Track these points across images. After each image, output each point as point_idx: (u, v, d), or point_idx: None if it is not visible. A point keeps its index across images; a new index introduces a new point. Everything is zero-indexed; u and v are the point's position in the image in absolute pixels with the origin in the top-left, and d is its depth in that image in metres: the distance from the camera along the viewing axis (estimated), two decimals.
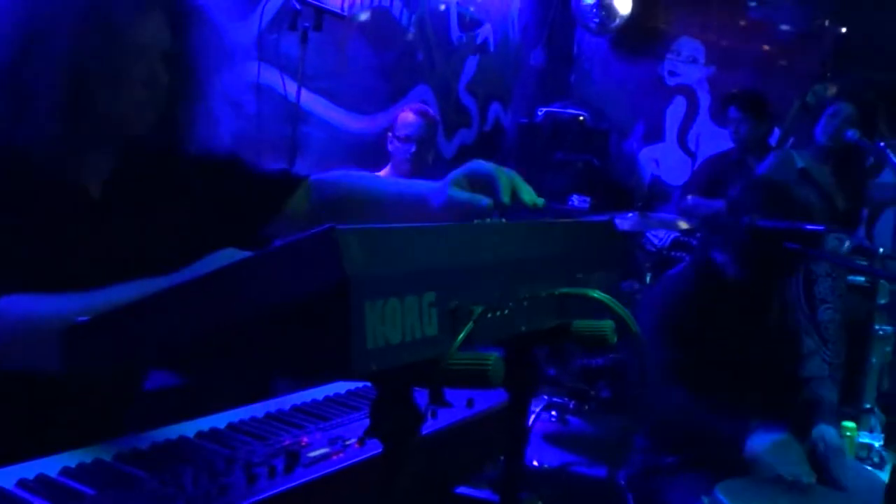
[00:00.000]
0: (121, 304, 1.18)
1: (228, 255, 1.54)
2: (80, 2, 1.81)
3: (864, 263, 5.64)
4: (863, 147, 5.11)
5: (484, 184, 1.52)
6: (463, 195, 1.53)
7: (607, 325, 1.48)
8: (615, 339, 1.48)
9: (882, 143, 4.77)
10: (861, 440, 5.18)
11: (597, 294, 1.41)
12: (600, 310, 1.43)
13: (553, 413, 4.52)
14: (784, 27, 8.83)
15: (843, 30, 8.61)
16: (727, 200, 3.51)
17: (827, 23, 8.64)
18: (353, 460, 1.64)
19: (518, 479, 1.61)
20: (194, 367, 1.19)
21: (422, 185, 1.79)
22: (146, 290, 1.17)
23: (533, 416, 4.35)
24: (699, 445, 3.29)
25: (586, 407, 4.64)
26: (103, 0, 1.81)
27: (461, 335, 1.12)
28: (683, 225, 5.52)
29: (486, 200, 1.48)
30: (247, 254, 1.09)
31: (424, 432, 1.86)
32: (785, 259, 3.20)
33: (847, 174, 5.57)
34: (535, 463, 4.17)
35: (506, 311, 1.25)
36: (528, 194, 1.45)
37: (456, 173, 1.60)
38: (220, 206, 2.08)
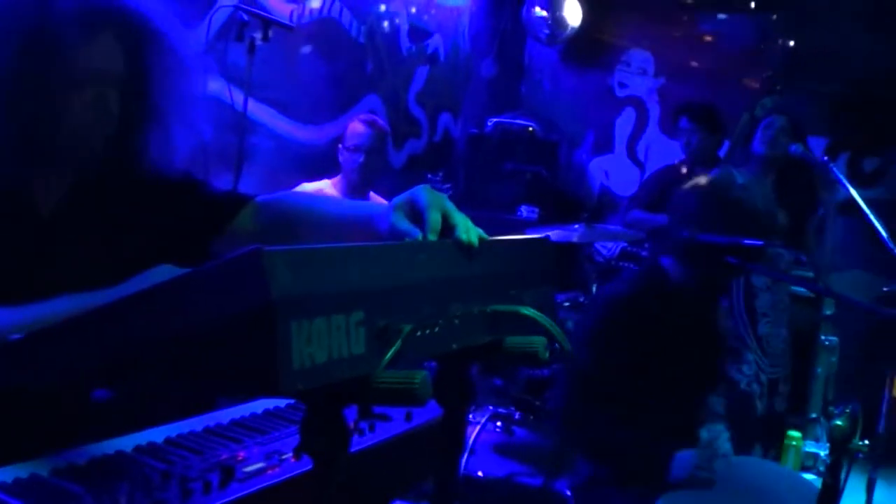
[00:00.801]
0: (52, 322, 1.19)
1: (162, 273, 1.54)
2: (26, 26, 1.81)
3: (810, 275, 5.72)
4: (807, 161, 5.16)
5: (418, 216, 1.53)
6: (402, 225, 1.53)
7: (539, 341, 1.50)
8: (546, 355, 1.50)
9: (826, 158, 4.83)
10: (807, 450, 5.26)
11: (528, 311, 1.43)
12: (533, 326, 1.45)
13: (499, 424, 4.53)
14: (733, 40, 8.91)
15: (792, 43, 8.70)
16: (669, 210, 3.54)
17: (776, 36, 8.73)
18: (289, 475, 1.64)
19: (452, 493, 1.62)
20: (125, 384, 1.19)
21: (368, 208, 1.80)
22: (77, 305, 1.18)
23: (478, 427, 4.36)
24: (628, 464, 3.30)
25: (531, 417, 4.65)
26: (50, 25, 1.81)
27: (388, 354, 1.13)
28: (629, 237, 5.56)
29: (419, 235, 1.48)
30: (182, 271, 1.09)
31: (362, 445, 1.89)
32: (725, 272, 3.23)
33: (789, 188, 5.63)
34: (480, 473, 4.18)
35: (436, 329, 1.27)
36: (465, 232, 1.45)
37: (400, 198, 1.59)
38: (166, 226, 2.08)
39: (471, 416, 4.50)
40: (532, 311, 1.43)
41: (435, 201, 1.50)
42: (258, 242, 1.69)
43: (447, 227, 1.46)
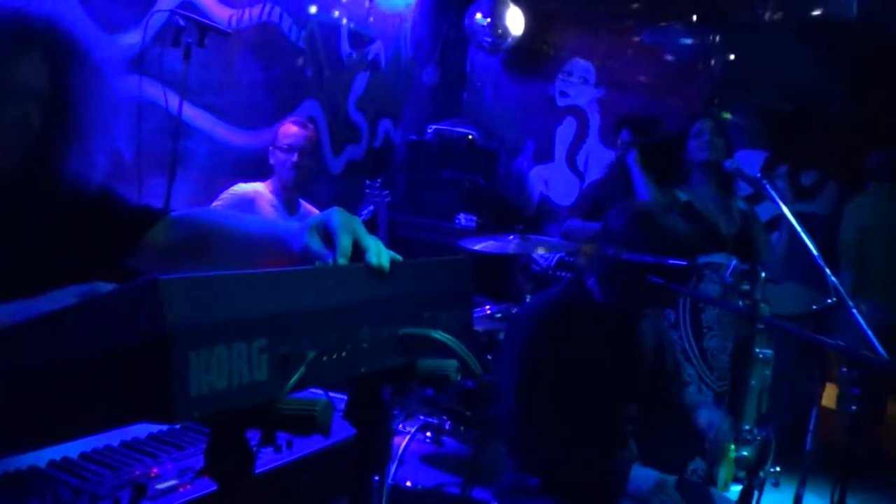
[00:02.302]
0: None
1: (72, 292, 1.53)
2: None
3: (746, 287, 5.76)
4: (741, 178, 5.20)
5: (330, 239, 1.53)
6: (314, 247, 1.53)
7: (451, 364, 1.51)
8: (458, 377, 1.51)
9: (759, 175, 4.87)
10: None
11: (439, 335, 1.44)
12: (444, 350, 1.46)
13: (428, 434, 4.54)
14: (674, 52, 8.98)
15: (732, 56, 8.79)
16: (601, 226, 3.56)
17: (716, 50, 8.81)
18: (200, 493, 1.64)
19: None
20: (23, 408, 1.18)
21: (282, 227, 1.79)
22: None
23: (408, 437, 4.37)
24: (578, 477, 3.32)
25: (462, 428, 4.66)
26: None
27: (291, 380, 1.14)
28: (563, 248, 5.58)
29: (331, 258, 1.48)
30: (108, 286, 1.09)
31: (280, 462, 1.89)
32: (647, 292, 3.26)
33: (730, 198, 5.68)
34: (409, 484, 4.18)
35: (343, 354, 1.27)
36: (376, 256, 1.45)
37: (314, 219, 1.59)
38: (80, 241, 2.06)
39: (401, 426, 4.50)
40: (442, 335, 1.44)
41: (346, 224, 1.51)
42: (171, 258, 1.68)
43: (359, 251, 1.47)
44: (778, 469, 4.34)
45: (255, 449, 1.18)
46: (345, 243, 1.46)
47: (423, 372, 1.50)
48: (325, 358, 1.22)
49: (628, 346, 3.55)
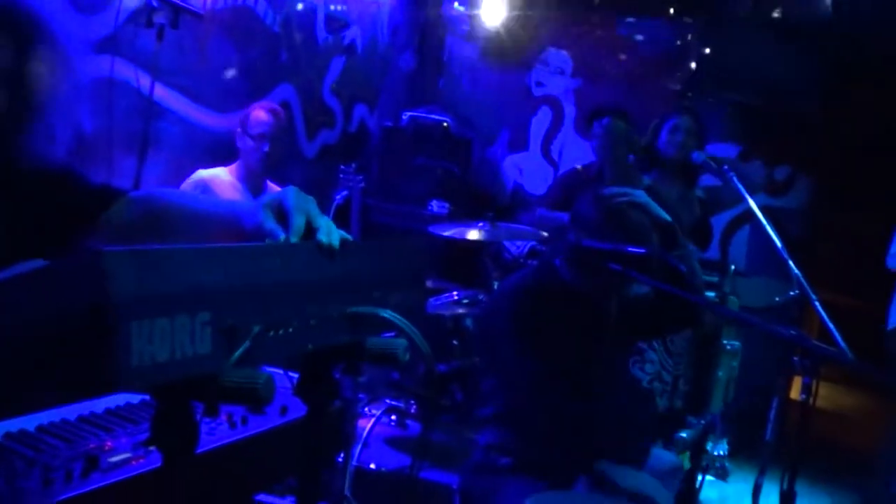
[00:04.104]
0: None
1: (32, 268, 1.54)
2: None
3: (715, 279, 5.82)
4: (708, 169, 5.25)
5: (285, 217, 1.54)
6: (268, 225, 1.54)
7: (400, 343, 1.54)
8: (407, 357, 1.54)
9: (726, 167, 4.90)
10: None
11: (386, 314, 1.46)
12: (392, 328, 1.49)
13: (393, 417, 4.56)
14: (650, 44, 9.02)
15: (707, 50, 8.83)
16: (571, 213, 3.60)
17: (691, 42, 8.85)
18: (153, 466, 1.66)
19: (315, 488, 1.65)
20: None
21: (236, 205, 1.80)
22: None
23: (373, 420, 4.40)
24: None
25: (425, 412, 4.69)
26: None
27: (236, 353, 1.16)
28: (533, 236, 5.60)
29: (283, 236, 1.50)
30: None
31: (234, 438, 1.91)
32: (608, 278, 3.29)
33: (690, 189, 5.74)
34: (373, 466, 4.21)
35: (290, 330, 1.29)
36: (326, 235, 1.47)
37: (269, 198, 1.61)
38: (38, 219, 2.07)
39: (366, 408, 4.53)
40: (391, 314, 1.46)
41: (300, 204, 1.52)
42: (128, 237, 1.70)
43: (311, 231, 1.49)
44: (724, 453, 4.39)
45: (200, 420, 1.21)
46: (298, 222, 1.48)
47: (372, 350, 1.53)
48: (271, 333, 1.24)
49: (594, 323, 3.59)
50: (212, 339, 1.13)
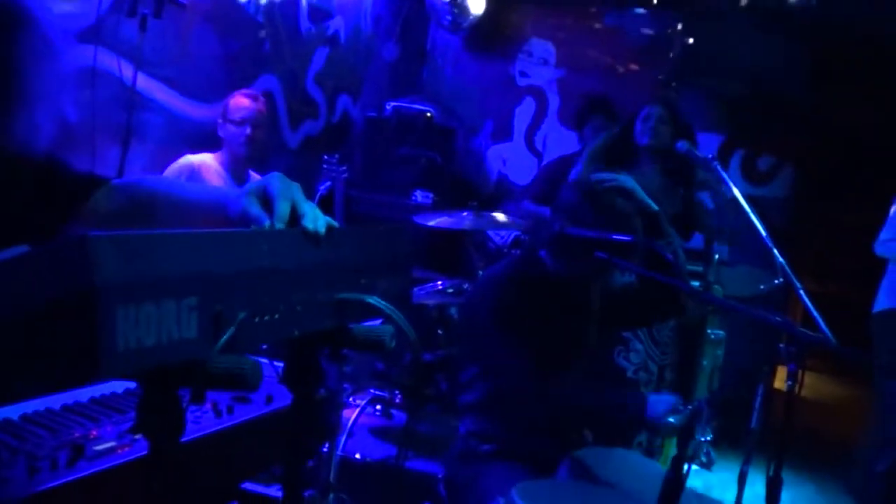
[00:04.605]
0: None
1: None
2: None
3: (699, 269, 5.82)
4: (692, 159, 5.24)
5: (269, 204, 1.54)
6: (253, 211, 1.53)
7: (386, 330, 1.54)
8: (393, 343, 1.53)
9: (710, 156, 4.90)
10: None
11: (373, 300, 1.46)
12: (379, 315, 1.49)
13: (378, 407, 4.56)
14: (634, 35, 9.02)
15: (691, 41, 8.84)
16: (554, 202, 3.60)
17: (675, 33, 8.86)
18: (139, 454, 1.66)
19: (301, 476, 1.65)
20: None
21: (221, 192, 1.79)
22: None
23: (358, 410, 4.39)
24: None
25: (410, 402, 4.69)
26: None
27: (222, 339, 1.15)
28: (518, 225, 5.61)
29: (268, 222, 1.49)
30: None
31: (220, 427, 1.91)
32: (594, 266, 3.30)
33: (676, 180, 5.73)
34: (358, 456, 4.21)
35: (276, 316, 1.29)
36: (312, 221, 1.46)
37: (254, 184, 1.60)
38: (22, 205, 2.06)
39: (351, 398, 4.53)
40: (377, 300, 1.46)
41: (285, 191, 1.52)
42: (111, 225, 1.69)
43: (296, 217, 1.48)
44: (711, 438, 4.39)
45: (186, 407, 1.20)
46: (282, 208, 1.48)
47: (359, 337, 1.53)
48: (256, 319, 1.24)
49: (579, 313, 3.60)
50: (198, 325, 1.12)
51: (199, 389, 1.18)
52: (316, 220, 1.46)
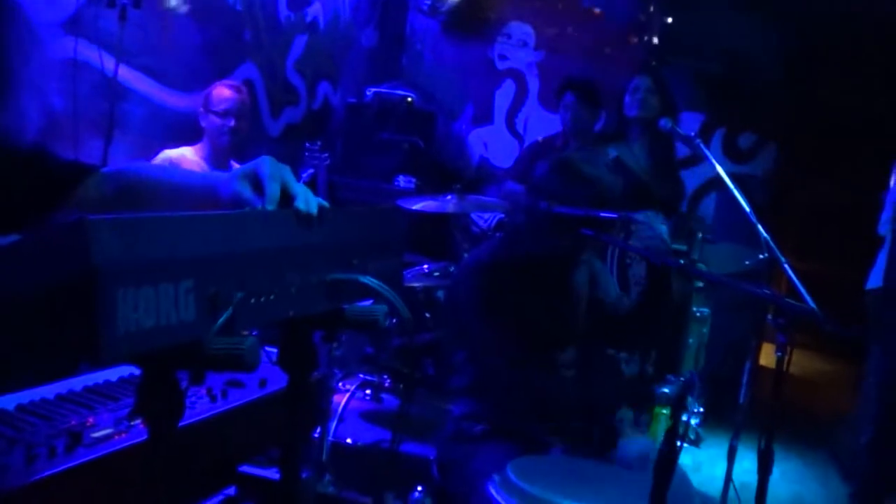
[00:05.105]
0: None
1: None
2: None
3: (684, 248, 5.84)
4: (676, 136, 5.25)
5: (260, 186, 1.54)
6: (244, 193, 1.54)
7: (380, 310, 1.55)
8: (387, 323, 1.55)
9: (693, 133, 4.92)
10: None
11: (366, 280, 1.47)
12: (373, 295, 1.50)
13: (368, 391, 4.56)
14: (613, 16, 9.02)
15: (670, 20, 8.85)
16: (532, 181, 3.61)
17: (654, 13, 8.87)
18: (136, 440, 1.67)
19: (298, 457, 1.66)
20: None
21: (211, 176, 1.80)
22: None
23: (347, 395, 4.40)
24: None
25: (401, 386, 4.69)
26: None
27: (220, 320, 1.16)
28: (501, 207, 5.62)
29: (259, 204, 1.49)
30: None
31: (215, 411, 1.91)
32: (580, 243, 3.32)
33: (661, 156, 5.74)
34: (349, 440, 4.22)
35: (271, 297, 1.30)
36: (304, 202, 1.47)
37: (244, 167, 1.61)
38: (10, 195, 2.06)
39: (341, 383, 4.53)
40: (371, 279, 1.47)
41: (275, 172, 1.52)
42: (103, 212, 1.69)
43: (288, 198, 1.49)
44: (702, 410, 4.42)
45: (185, 389, 1.21)
46: (273, 190, 1.48)
47: (353, 317, 1.54)
48: (252, 300, 1.25)
49: (562, 293, 3.61)
50: (196, 307, 1.13)
51: (199, 371, 1.19)
52: (308, 201, 1.47)
